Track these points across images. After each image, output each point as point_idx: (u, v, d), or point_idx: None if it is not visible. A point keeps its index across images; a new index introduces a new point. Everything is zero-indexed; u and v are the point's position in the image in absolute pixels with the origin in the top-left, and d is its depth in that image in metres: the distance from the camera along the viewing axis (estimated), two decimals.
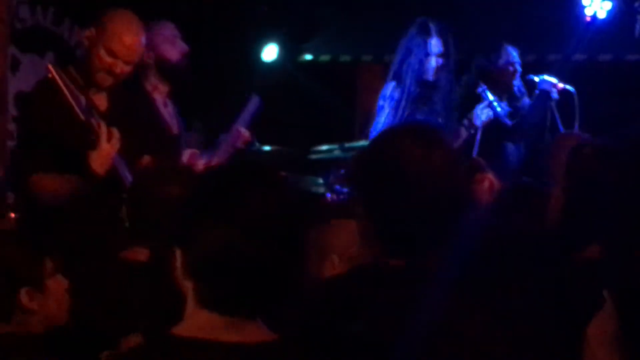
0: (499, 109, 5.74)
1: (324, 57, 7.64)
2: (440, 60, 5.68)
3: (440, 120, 5.75)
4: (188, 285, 1.94)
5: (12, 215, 4.66)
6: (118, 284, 2.97)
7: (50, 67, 3.75)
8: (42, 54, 6.14)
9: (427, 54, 5.65)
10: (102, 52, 4.01)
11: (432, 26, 5.68)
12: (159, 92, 4.69)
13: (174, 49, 4.69)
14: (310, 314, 2.29)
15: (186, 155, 4.65)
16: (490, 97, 5.73)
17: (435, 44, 5.65)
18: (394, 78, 5.77)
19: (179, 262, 1.94)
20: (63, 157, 3.91)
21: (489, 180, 4.60)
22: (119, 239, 3.81)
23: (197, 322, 1.93)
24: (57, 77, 3.70)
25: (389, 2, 6.88)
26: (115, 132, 3.91)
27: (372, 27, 7.24)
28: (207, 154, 4.95)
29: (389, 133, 2.61)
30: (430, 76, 5.68)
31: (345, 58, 7.67)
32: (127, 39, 4.04)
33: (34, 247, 2.83)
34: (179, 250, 1.94)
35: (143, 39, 4.12)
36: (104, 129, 3.86)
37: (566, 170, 2.96)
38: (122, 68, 4.06)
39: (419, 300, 2.19)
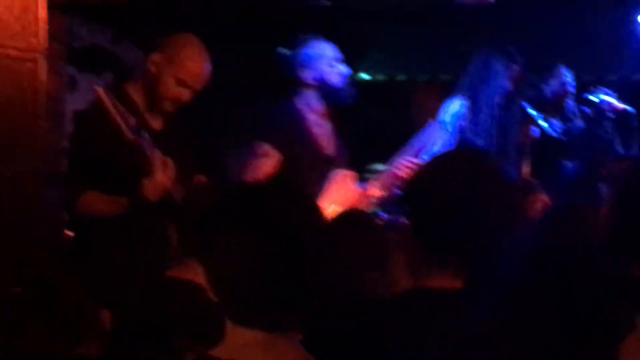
0: (545, 125, 5.74)
1: (380, 76, 7.65)
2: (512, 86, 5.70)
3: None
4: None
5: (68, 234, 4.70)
6: (165, 304, 2.97)
7: (97, 89, 3.76)
8: (100, 73, 6.22)
9: (506, 80, 5.66)
10: (171, 82, 4.00)
11: (513, 53, 5.68)
12: (313, 112, 4.73)
13: (334, 71, 4.74)
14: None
15: (339, 175, 4.73)
16: (533, 112, 5.71)
17: (515, 70, 5.65)
18: (466, 98, 5.77)
19: (202, 278, 1.94)
20: (111, 178, 3.92)
21: (542, 201, 4.59)
22: (166, 257, 3.86)
23: (236, 342, 1.93)
24: (104, 99, 3.70)
25: (445, 22, 6.85)
26: (170, 162, 3.91)
27: (428, 46, 7.24)
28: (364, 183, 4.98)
29: (440, 158, 2.64)
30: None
31: (401, 77, 7.67)
32: (197, 68, 4.04)
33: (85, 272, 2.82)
34: (201, 266, 1.94)
35: (210, 67, 4.10)
36: (158, 158, 3.86)
37: (616, 190, 2.93)
38: (188, 96, 4.07)
39: (469, 324, 2.19)
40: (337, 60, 4.75)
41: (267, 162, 4.46)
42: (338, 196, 4.68)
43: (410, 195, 2.47)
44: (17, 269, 3.08)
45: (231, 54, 6.38)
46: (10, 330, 2.63)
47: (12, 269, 3.15)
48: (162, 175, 3.85)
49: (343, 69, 4.76)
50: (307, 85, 4.72)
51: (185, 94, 4.04)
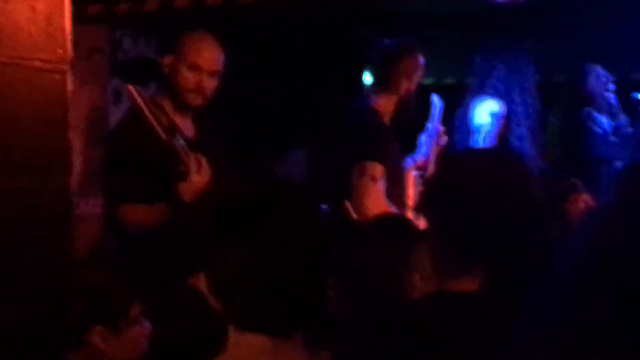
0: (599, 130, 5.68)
1: (428, 80, 7.59)
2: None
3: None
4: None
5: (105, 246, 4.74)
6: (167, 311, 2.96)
7: (129, 87, 3.78)
8: (145, 83, 6.24)
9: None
10: (186, 71, 4.04)
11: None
12: (385, 114, 4.72)
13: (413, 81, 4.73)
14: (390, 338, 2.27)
15: (409, 177, 4.79)
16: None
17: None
18: (500, 97, 5.74)
19: (203, 284, 1.94)
20: (149, 184, 3.93)
21: (584, 201, 4.51)
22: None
23: (240, 349, 1.91)
24: (136, 97, 3.72)
25: (466, 25, 6.81)
26: (204, 162, 3.91)
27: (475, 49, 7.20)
28: (410, 157, 4.99)
29: (459, 155, 2.61)
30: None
31: (450, 81, 7.63)
32: (206, 50, 4.07)
33: (121, 284, 2.82)
34: (202, 272, 1.93)
35: (220, 49, 4.12)
36: (192, 159, 3.86)
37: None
38: (208, 82, 4.07)
39: (496, 328, 2.16)
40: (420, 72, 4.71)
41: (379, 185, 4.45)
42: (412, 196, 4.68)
43: (437, 195, 2.43)
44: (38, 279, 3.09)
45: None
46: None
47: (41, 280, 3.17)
48: (197, 177, 3.85)
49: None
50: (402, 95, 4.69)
51: (204, 80, 4.05)
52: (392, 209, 4.41)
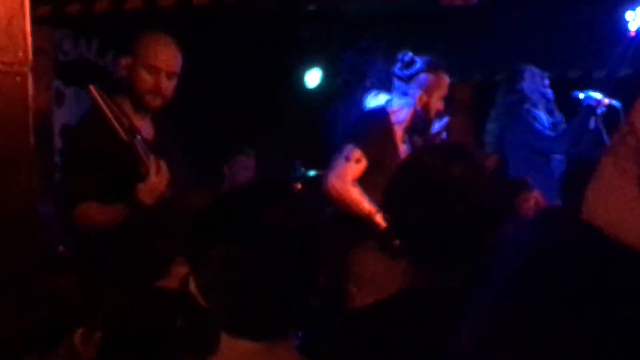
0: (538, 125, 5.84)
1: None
2: None
3: None
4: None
5: (62, 248, 4.69)
6: (156, 314, 2.95)
7: (91, 87, 3.74)
8: (87, 86, 6.18)
9: None
10: (143, 72, 4.02)
11: None
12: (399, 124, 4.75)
13: (435, 105, 4.74)
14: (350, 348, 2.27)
15: None
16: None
17: None
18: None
19: (192, 285, 1.91)
20: (108, 183, 3.91)
21: (535, 199, 4.59)
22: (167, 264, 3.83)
23: (233, 352, 1.90)
24: (98, 98, 3.69)
25: (431, 25, 6.87)
26: (163, 164, 3.90)
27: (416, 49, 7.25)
28: None
29: (414, 154, 2.63)
30: None
31: None
32: (164, 51, 4.04)
33: (90, 284, 2.80)
34: (192, 272, 1.91)
35: (177, 49, 4.11)
36: (152, 160, 3.86)
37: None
38: (165, 83, 4.06)
39: (454, 323, 2.18)
40: (443, 96, 4.76)
41: (357, 167, 4.55)
42: None
43: (393, 198, 2.45)
44: (6, 283, 3.06)
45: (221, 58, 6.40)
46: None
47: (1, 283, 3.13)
48: (156, 178, 3.84)
49: (441, 106, 4.77)
50: (406, 101, 4.72)
51: (162, 81, 4.04)
52: (364, 200, 4.46)
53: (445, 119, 4.97)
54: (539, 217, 3.50)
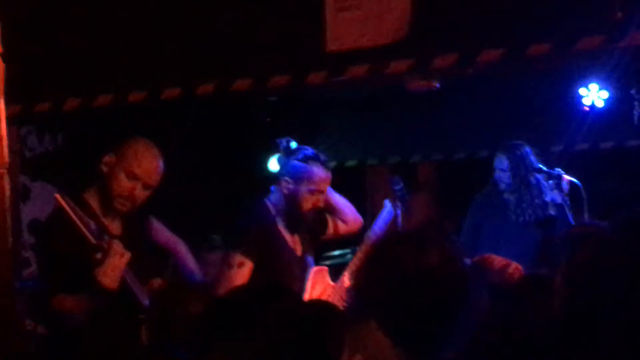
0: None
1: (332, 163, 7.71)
2: None
3: None
4: None
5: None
6: None
7: (57, 196, 3.80)
8: (52, 181, 6.21)
9: None
10: (122, 176, 4.08)
11: None
12: (281, 213, 4.70)
13: (309, 200, 4.64)
14: None
15: (314, 272, 4.74)
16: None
17: None
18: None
19: None
20: (79, 280, 3.94)
21: (514, 267, 4.62)
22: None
23: None
24: (65, 205, 3.76)
25: (394, 107, 6.98)
26: (126, 252, 3.94)
27: (377, 131, 7.37)
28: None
29: (385, 242, 2.66)
30: None
31: (351, 163, 7.76)
32: (146, 162, 4.12)
33: None
34: None
35: (161, 164, 4.17)
36: (114, 246, 3.89)
37: (567, 262, 2.96)
38: (140, 192, 4.11)
39: None
40: (317, 191, 4.66)
41: (242, 272, 4.47)
42: (316, 293, 4.69)
43: (361, 283, 2.50)
44: None
45: (186, 152, 6.45)
46: None
47: None
48: (113, 259, 3.87)
49: (317, 202, 4.69)
50: (282, 191, 4.68)
51: (137, 189, 4.10)
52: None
53: (389, 215, 5.00)
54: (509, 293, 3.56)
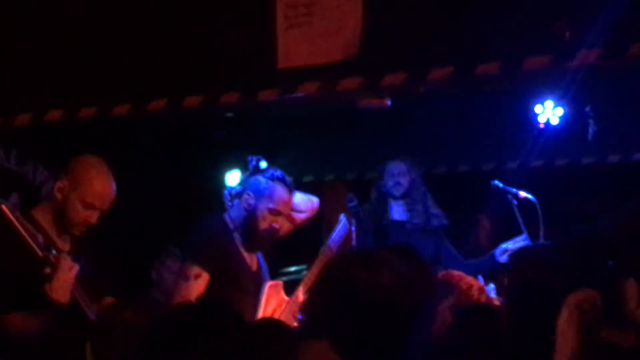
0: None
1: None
2: None
3: None
4: None
5: None
6: None
7: (4, 207, 3.76)
8: (7, 195, 6.15)
9: None
10: (79, 206, 4.04)
11: None
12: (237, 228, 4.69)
13: (266, 220, 4.64)
14: None
15: (268, 286, 4.71)
16: None
17: None
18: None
19: None
20: (27, 295, 3.90)
21: (477, 286, 4.63)
22: None
23: None
24: (11, 217, 3.72)
25: (348, 125, 6.99)
26: (74, 265, 3.90)
27: (334, 147, 7.39)
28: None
29: (338, 261, 2.66)
30: None
31: (308, 178, 7.75)
32: (103, 190, 4.08)
33: None
34: None
35: (114, 185, 4.14)
36: (63, 260, 3.86)
37: (507, 284, 2.98)
38: (94, 218, 4.09)
39: None
40: (276, 211, 4.65)
41: (198, 284, 4.46)
42: (270, 307, 4.69)
43: (315, 303, 2.50)
44: None
45: (140, 168, 6.43)
46: None
47: None
48: (63, 273, 3.83)
49: (275, 224, 4.68)
50: (242, 205, 4.68)
51: (93, 217, 4.07)
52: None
53: (344, 229, 5.01)
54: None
